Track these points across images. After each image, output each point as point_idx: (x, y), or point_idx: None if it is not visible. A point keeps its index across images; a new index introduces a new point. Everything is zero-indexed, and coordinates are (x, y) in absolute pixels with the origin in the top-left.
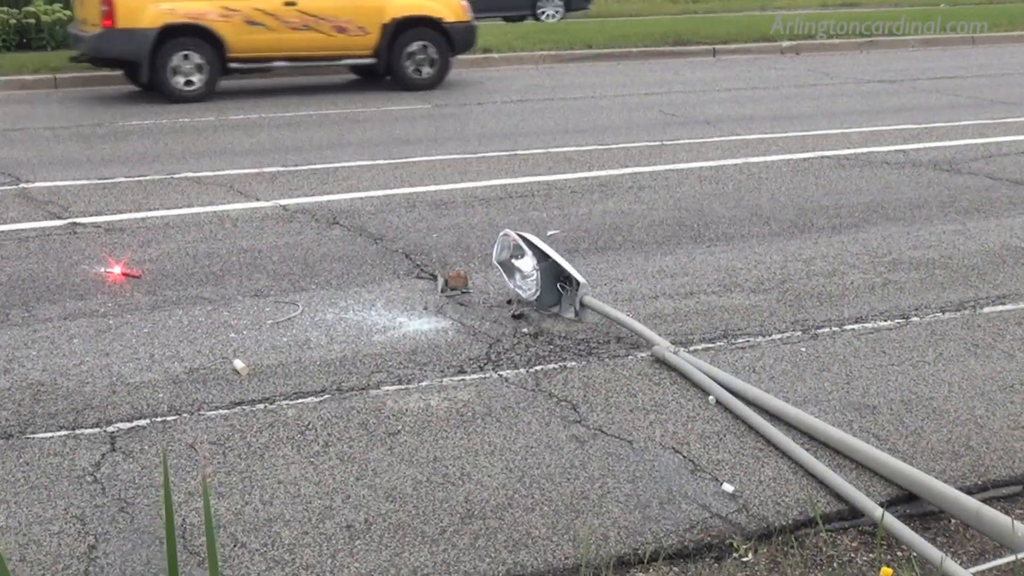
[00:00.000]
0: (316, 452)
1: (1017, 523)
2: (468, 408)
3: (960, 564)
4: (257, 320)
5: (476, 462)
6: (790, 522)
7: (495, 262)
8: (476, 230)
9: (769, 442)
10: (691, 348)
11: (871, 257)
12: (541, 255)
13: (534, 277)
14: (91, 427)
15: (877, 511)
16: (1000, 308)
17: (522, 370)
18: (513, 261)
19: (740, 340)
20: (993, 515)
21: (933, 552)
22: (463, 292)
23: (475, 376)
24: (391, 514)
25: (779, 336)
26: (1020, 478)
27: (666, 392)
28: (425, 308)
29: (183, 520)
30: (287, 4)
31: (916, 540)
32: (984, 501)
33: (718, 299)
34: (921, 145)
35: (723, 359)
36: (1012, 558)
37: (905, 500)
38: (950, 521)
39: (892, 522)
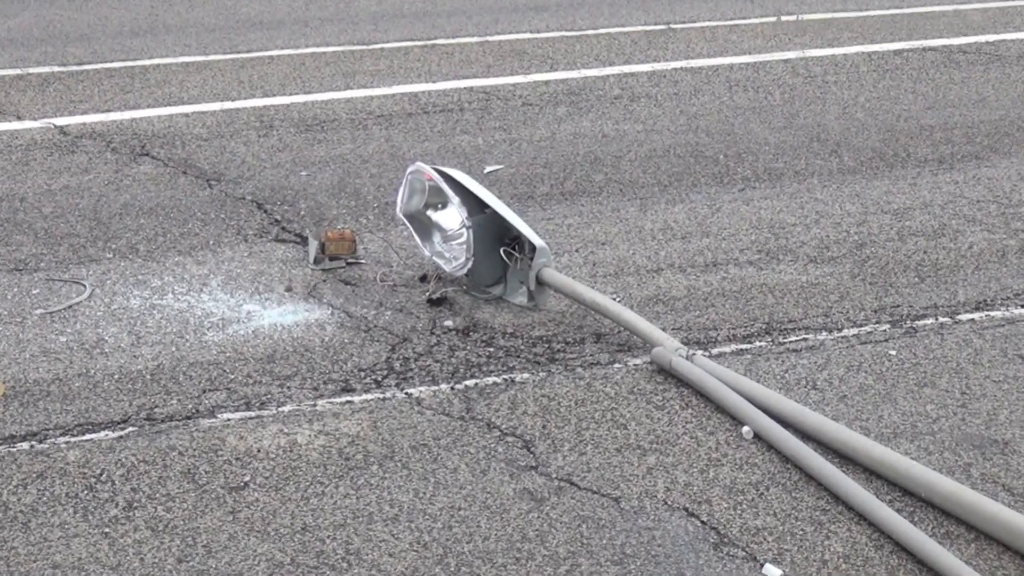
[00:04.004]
0: (114, 518)
1: None
2: (358, 448)
3: None
4: (18, 309)
5: (370, 534)
6: None
7: (401, 215)
8: (370, 165)
9: (837, 498)
10: (714, 351)
11: (1002, 207)
12: (474, 204)
13: (463, 239)
14: None
15: None
16: None
17: (444, 387)
18: (430, 214)
19: (792, 338)
20: None
21: None
22: (349, 263)
23: (369, 397)
24: None
25: (854, 332)
26: None
27: (674, 420)
28: (289, 289)
29: None
30: None
31: None
32: None
33: (757, 273)
34: None
35: (764, 368)
36: None
37: None
38: None
39: None
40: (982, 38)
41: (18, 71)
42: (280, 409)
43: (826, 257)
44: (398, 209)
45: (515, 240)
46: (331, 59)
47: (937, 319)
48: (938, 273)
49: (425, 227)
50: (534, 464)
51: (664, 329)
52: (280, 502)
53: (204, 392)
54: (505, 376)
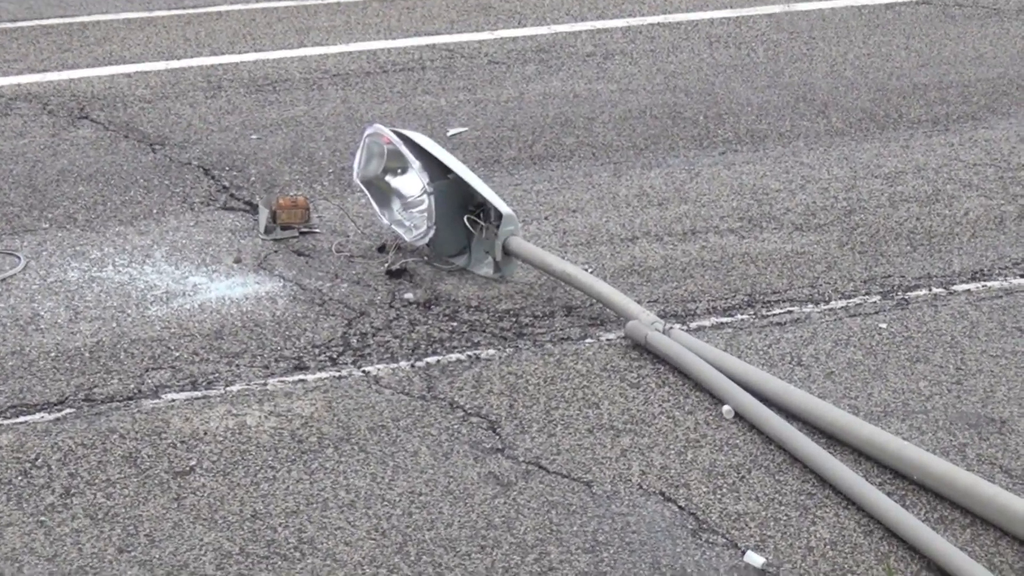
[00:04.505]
0: (50, 505)
1: None
2: (311, 429)
3: None
4: None
5: (325, 521)
6: None
7: (358, 181)
8: (325, 128)
9: (824, 481)
10: (692, 324)
11: (1000, 170)
12: (436, 169)
13: (424, 206)
14: None
15: None
16: None
17: (404, 364)
18: (389, 179)
19: (776, 311)
20: None
21: None
22: (302, 232)
23: (324, 375)
24: None
25: (843, 304)
26: None
27: (650, 399)
28: (238, 261)
29: None
30: None
31: None
32: None
33: (739, 242)
34: None
35: (746, 342)
36: None
37: None
38: None
39: None
40: None
41: None
42: (228, 389)
43: (812, 225)
44: (355, 175)
45: (480, 207)
46: (283, 15)
47: (931, 290)
48: (932, 241)
49: (384, 194)
50: (500, 446)
51: (639, 302)
52: (228, 488)
53: (147, 371)
54: (469, 352)
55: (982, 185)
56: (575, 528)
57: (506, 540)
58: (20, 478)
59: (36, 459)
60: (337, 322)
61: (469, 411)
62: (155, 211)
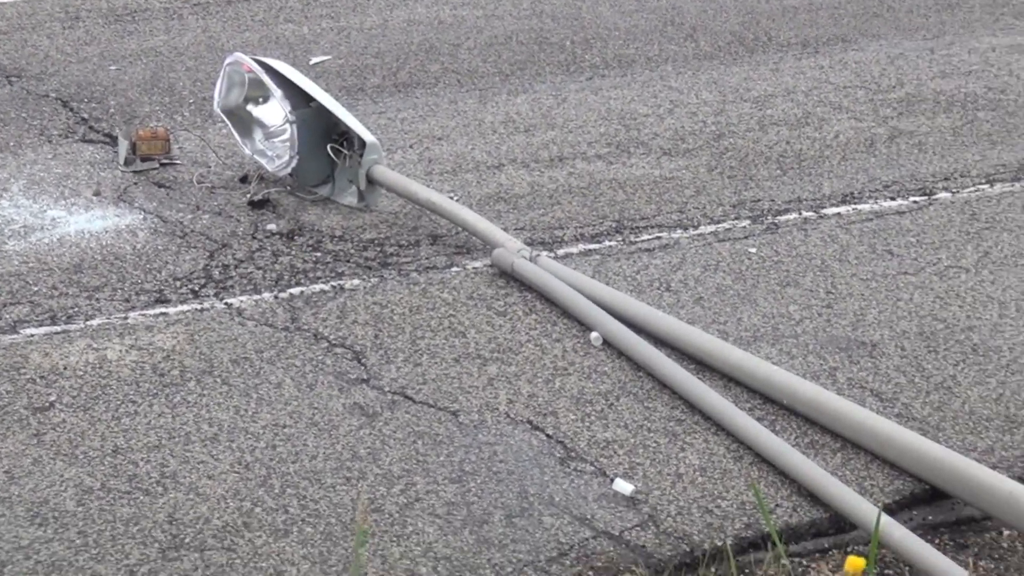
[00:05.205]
0: None
1: None
2: (173, 363)
3: None
4: None
5: (187, 455)
6: (729, 543)
7: (219, 110)
8: (185, 58)
9: (693, 407)
10: (560, 251)
11: (870, 92)
12: (299, 98)
13: (286, 135)
14: None
15: (874, 515)
16: None
17: (267, 295)
18: (250, 109)
19: (644, 237)
20: None
21: None
22: (163, 164)
23: (185, 308)
24: (39, 547)
25: (712, 229)
26: None
27: (517, 327)
28: (97, 193)
29: None
30: None
31: (940, 563)
32: None
33: (607, 168)
34: None
35: (614, 269)
36: None
37: (925, 500)
38: (1001, 532)
39: (900, 535)
40: None
41: None
42: (88, 323)
43: (681, 149)
44: (216, 104)
45: (343, 136)
46: None
47: (800, 214)
48: (801, 165)
49: (245, 123)
50: (365, 377)
51: (506, 229)
52: (89, 423)
53: (5, 306)
54: (334, 283)
55: (852, 108)
56: (442, 458)
57: (371, 471)
58: None
59: None
60: (199, 254)
61: (334, 342)
62: (12, 144)
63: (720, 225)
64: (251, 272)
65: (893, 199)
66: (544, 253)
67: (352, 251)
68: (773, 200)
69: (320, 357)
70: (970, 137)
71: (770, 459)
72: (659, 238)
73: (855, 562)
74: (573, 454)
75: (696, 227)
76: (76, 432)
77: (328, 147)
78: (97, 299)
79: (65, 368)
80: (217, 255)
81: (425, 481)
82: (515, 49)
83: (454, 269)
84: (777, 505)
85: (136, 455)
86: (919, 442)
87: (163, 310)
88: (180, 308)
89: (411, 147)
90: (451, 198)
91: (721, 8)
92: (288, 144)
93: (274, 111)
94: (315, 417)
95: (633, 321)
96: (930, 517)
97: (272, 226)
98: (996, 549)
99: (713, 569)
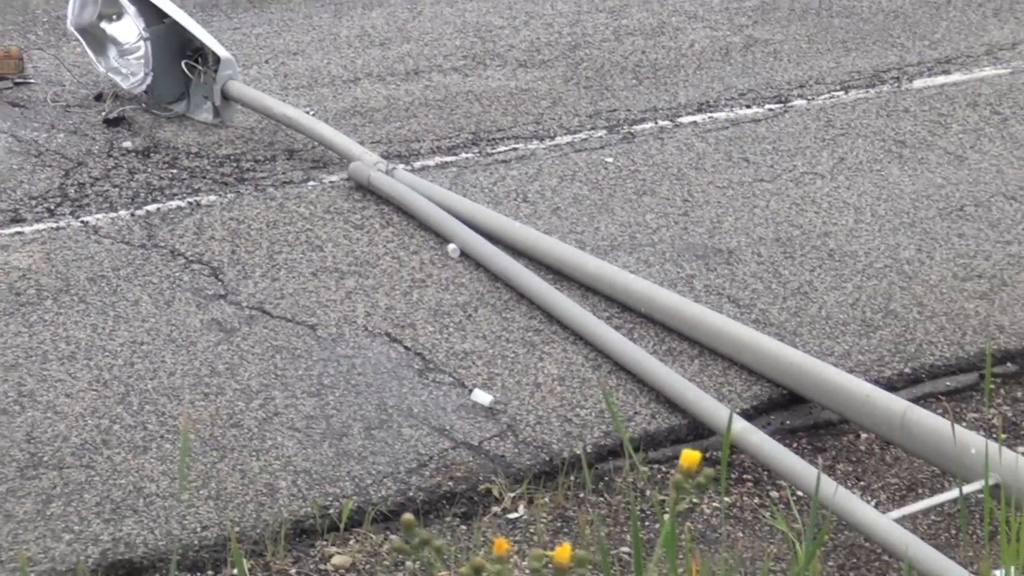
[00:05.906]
0: None
1: (966, 432)
2: (29, 282)
3: (876, 505)
4: None
5: (45, 374)
6: (587, 451)
7: (72, 28)
8: None
9: (551, 317)
10: (416, 164)
11: (725, 2)
12: (152, 14)
13: (140, 52)
14: None
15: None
16: (939, 80)
17: (123, 213)
18: (104, 26)
19: (501, 148)
20: (925, 421)
21: (825, 483)
22: (16, 83)
23: (41, 227)
24: None
25: (568, 139)
26: (974, 361)
27: (374, 240)
28: None
29: None
30: None
31: (796, 465)
32: (914, 401)
33: (463, 80)
34: None
35: (471, 180)
36: (954, 494)
37: (783, 405)
38: (858, 436)
39: (757, 439)
40: None
41: None
42: None
43: (537, 61)
44: (69, 22)
45: (198, 52)
46: None
47: (656, 123)
48: (657, 74)
49: (99, 41)
50: (223, 292)
51: (362, 143)
52: None
53: None
54: (190, 199)
55: (707, 16)
56: (300, 372)
57: (230, 387)
58: None
59: None
60: (54, 173)
61: (191, 258)
62: None
63: (576, 135)
64: (107, 190)
65: (749, 107)
66: (401, 166)
67: (208, 167)
68: (629, 110)
69: (177, 274)
70: (824, 44)
71: (628, 367)
72: (516, 149)
73: (690, 455)
74: (431, 366)
75: (552, 138)
76: None
77: (183, 63)
78: None
79: None
80: (72, 173)
81: (284, 395)
82: None
83: (311, 183)
84: (636, 413)
85: None
86: (776, 347)
87: (19, 229)
88: (36, 227)
89: (266, 62)
90: (307, 113)
91: None
92: (143, 61)
93: (128, 28)
94: (173, 334)
95: (490, 232)
96: (788, 422)
97: (128, 144)
98: (854, 452)
99: (572, 477)
